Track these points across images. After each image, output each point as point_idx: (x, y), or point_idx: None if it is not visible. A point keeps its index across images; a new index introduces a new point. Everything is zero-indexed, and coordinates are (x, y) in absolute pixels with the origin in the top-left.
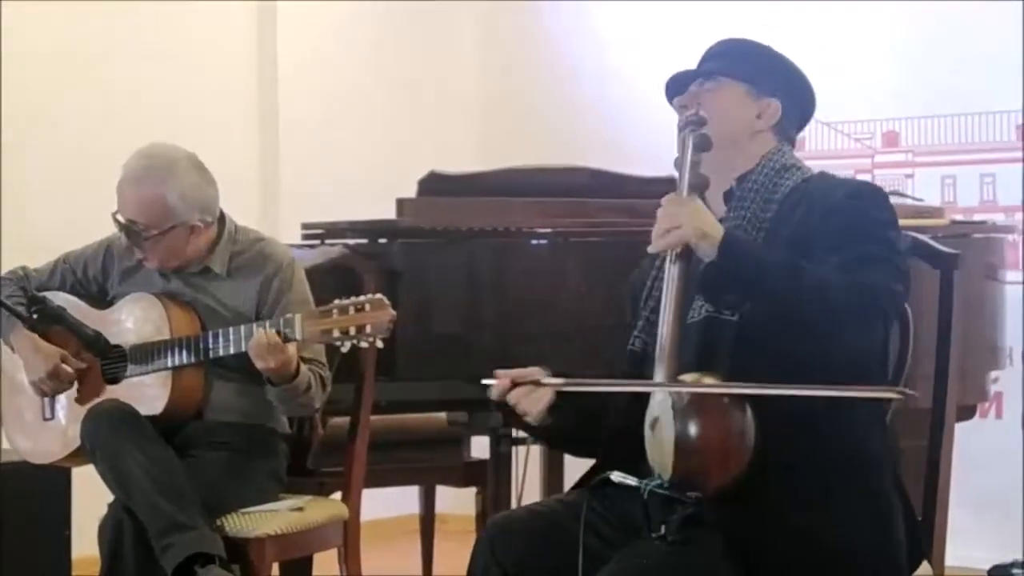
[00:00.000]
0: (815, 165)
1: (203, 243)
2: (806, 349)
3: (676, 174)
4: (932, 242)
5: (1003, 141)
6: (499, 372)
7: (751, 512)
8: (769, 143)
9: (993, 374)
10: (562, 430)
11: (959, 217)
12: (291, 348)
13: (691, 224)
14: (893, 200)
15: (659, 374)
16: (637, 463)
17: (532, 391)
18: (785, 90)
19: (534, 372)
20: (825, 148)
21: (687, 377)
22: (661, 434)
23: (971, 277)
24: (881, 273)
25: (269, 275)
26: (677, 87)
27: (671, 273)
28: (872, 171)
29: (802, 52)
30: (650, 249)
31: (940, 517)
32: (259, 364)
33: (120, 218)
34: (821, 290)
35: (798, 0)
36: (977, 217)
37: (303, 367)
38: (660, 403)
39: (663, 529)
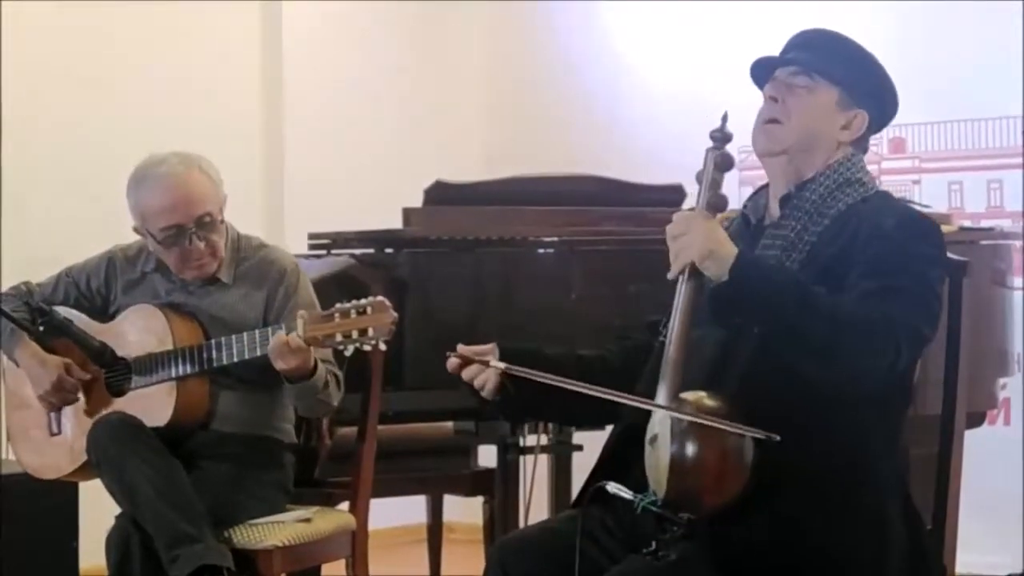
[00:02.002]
0: None
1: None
2: (816, 374)
3: (680, 181)
4: None
5: (1010, 147)
6: (460, 347)
7: (743, 528)
8: (844, 153)
9: (1001, 380)
10: (512, 405)
11: (966, 223)
12: (302, 345)
13: (699, 244)
14: None
15: (662, 390)
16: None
17: (482, 370)
18: (873, 99)
19: (486, 351)
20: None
21: (689, 395)
22: (659, 452)
23: (979, 284)
24: (904, 305)
25: (275, 282)
26: (764, 72)
27: (682, 291)
28: (879, 177)
29: None
30: (670, 276)
31: (950, 524)
32: (279, 365)
33: (188, 223)
34: (832, 317)
35: (804, 2)
36: (984, 223)
37: (320, 364)
38: (660, 421)
39: (654, 545)
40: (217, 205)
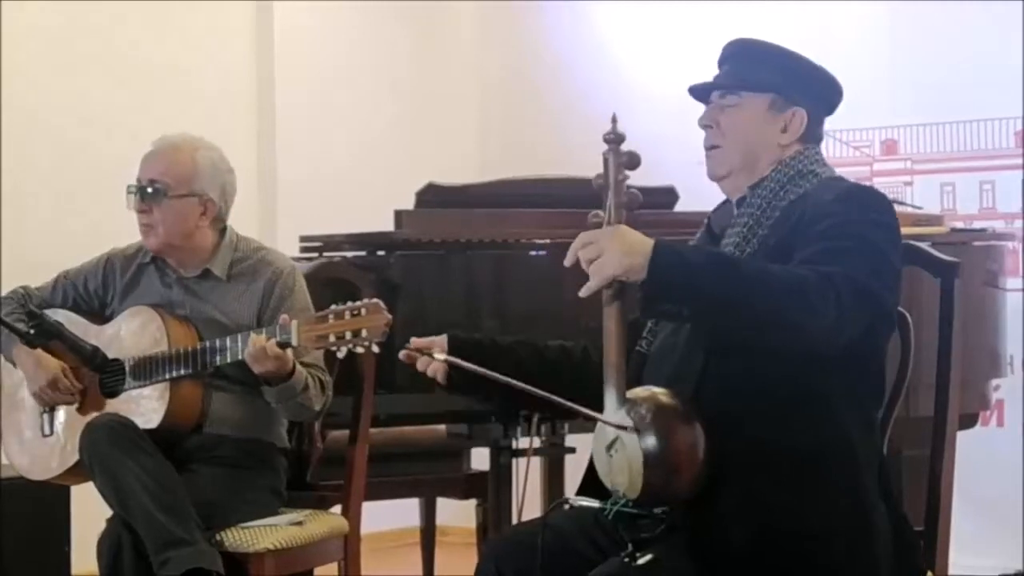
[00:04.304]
0: None
1: (208, 242)
2: (760, 343)
3: (672, 183)
4: (932, 250)
5: (1002, 148)
6: (413, 340)
7: (717, 521)
8: (792, 151)
9: (994, 382)
10: (457, 388)
11: (959, 225)
12: (288, 352)
13: (614, 259)
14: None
15: (609, 398)
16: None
17: (429, 361)
18: (809, 94)
19: (435, 343)
20: (824, 156)
21: (640, 391)
22: (623, 454)
23: (971, 285)
24: (843, 263)
25: (270, 282)
26: (699, 97)
27: (607, 308)
28: (871, 179)
29: None
30: (581, 293)
31: (943, 525)
32: (256, 368)
33: (140, 181)
34: (760, 281)
35: (796, 1)
36: (977, 224)
37: (298, 366)
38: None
39: (630, 547)
40: (183, 186)
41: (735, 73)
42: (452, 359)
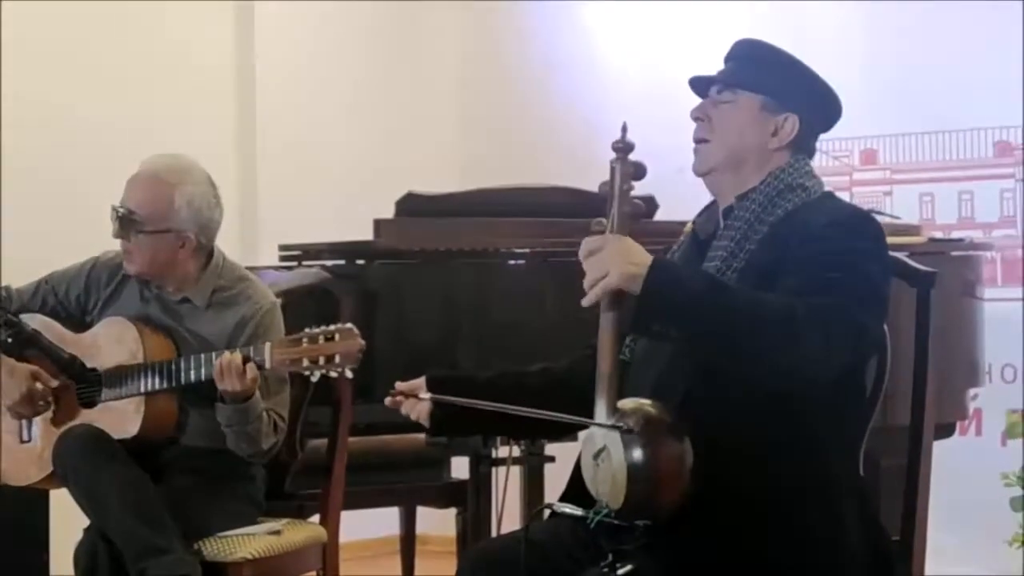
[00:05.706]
0: None
1: (190, 269)
2: (747, 373)
3: (655, 194)
4: (909, 260)
5: (981, 158)
6: (397, 384)
7: (695, 538)
8: (782, 159)
9: (972, 391)
10: (440, 427)
11: (937, 234)
12: (254, 373)
13: (617, 270)
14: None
15: (600, 404)
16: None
17: (415, 403)
18: (805, 102)
19: (414, 385)
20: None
21: (628, 403)
22: (609, 464)
23: (949, 295)
24: (835, 296)
25: (247, 316)
26: (698, 90)
27: (605, 315)
28: (850, 189)
29: None
30: (584, 303)
31: (919, 535)
32: (220, 383)
33: (119, 207)
34: (753, 314)
35: (777, 2)
36: (955, 234)
37: (258, 395)
38: (605, 433)
39: (610, 557)
40: (159, 222)
41: (735, 71)
42: (438, 396)
